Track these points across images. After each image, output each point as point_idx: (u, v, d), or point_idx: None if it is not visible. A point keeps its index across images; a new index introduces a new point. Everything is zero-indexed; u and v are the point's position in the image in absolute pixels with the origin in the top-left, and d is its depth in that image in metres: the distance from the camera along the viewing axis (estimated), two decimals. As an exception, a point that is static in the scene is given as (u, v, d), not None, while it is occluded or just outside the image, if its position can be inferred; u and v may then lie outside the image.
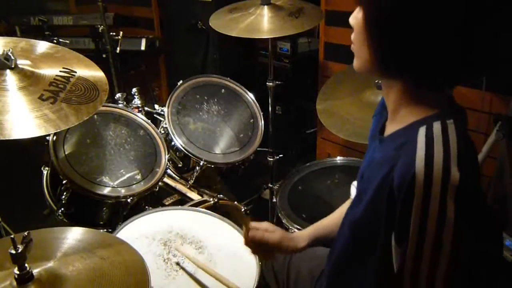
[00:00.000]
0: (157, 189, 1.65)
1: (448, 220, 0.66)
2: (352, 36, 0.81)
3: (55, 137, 1.51)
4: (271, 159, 2.10)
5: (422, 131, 0.71)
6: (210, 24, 1.80)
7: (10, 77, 1.05)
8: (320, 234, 1.14)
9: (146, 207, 1.63)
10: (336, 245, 0.97)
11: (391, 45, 0.73)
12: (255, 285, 1.18)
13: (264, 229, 1.11)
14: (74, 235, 1.00)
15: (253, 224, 1.11)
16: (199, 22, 2.93)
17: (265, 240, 1.09)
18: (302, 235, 1.14)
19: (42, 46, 1.23)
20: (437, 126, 0.71)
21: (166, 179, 1.85)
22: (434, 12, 0.66)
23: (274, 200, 1.82)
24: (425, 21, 0.67)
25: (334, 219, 1.15)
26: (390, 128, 0.84)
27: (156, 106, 1.98)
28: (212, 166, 1.78)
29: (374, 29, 0.74)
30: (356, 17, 0.78)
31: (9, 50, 1.06)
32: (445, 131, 0.70)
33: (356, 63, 0.82)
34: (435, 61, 0.71)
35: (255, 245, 1.11)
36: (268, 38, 1.85)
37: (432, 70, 0.72)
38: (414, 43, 0.70)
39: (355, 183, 1.10)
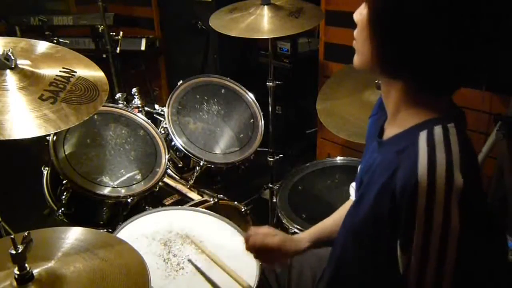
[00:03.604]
0: (157, 189, 1.65)
1: (453, 226, 0.65)
2: (355, 32, 0.80)
3: (55, 137, 1.51)
4: (271, 159, 2.10)
5: (423, 135, 0.70)
6: (210, 24, 1.80)
7: (10, 77, 1.05)
8: (322, 235, 1.13)
9: (146, 207, 1.63)
10: (336, 249, 0.96)
11: (393, 44, 0.72)
12: (255, 285, 1.18)
13: (264, 233, 1.10)
14: (74, 235, 1.00)
15: (253, 229, 1.11)
16: (199, 22, 2.93)
17: (265, 245, 1.08)
18: (304, 237, 1.13)
19: (42, 46, 1.23)
20: (438, 131, 0.70)
21: (166, 179, 1.85)
22: (436, 14, 0.66)
23: (274, 200, 1.82)
24: (428, 23, 0.67)
25: (335, 219, 1.15)
26: (390, 131, 0.83)
27: (156, 106, 1.98)
28: (212, 166, 1.78)
29: (378, 26, 0.74)
30: (361, 13, 0.78)
31: (9, 50, 1.06)
32: (446, 136, 0.69)
33: (357, 59, 0.82)
34: (436, 63, 0.70)
35: (256, 250, 1.11)
36: (268, 38, 1.85)
37: (432, 72, 0.72)
38: (416, 44, 0.69)
39: (354, 184, 1.09)
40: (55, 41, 2.72)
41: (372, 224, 0.78)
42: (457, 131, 0.70)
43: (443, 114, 0.74)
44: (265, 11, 1.76)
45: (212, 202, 1.64)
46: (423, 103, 0.76)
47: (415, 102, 0.77)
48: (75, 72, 1.16)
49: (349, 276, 0.91)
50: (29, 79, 1.07)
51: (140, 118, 1.75)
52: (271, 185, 2.11)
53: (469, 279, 0.69)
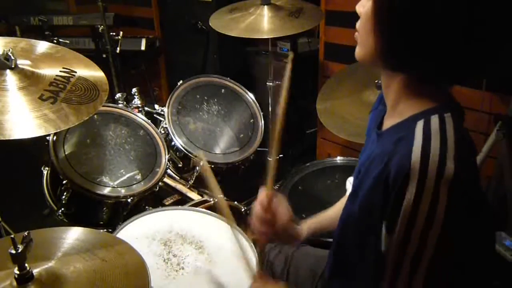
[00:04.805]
0: (157, 189, 1.65)
1: (439, 214, 0.66)
2: (358, 24, 0.80)
3: (55, 137, 1.51)
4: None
5: (420, 124, 0.71)
6: (210, 24, 1.81)
7: (10, 77, 1.05)
8: (322, 225, 1.15)
9: (146, 207, 1.63)
10: (335, 238, 0.97)
11: (398, 36, 0.72)
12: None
13: (280, 201, 1.08)
14: (74, 235, 1.00)
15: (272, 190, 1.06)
16: (199, 22, 2.94)
17: (276, 210, 1.05)
18: (303, 227, 1.15)
19: (42, 46, 1.23)
20: (434, 120, 0.71)
21: (166, 179, 1.85)
22: (442, 7, 0.66)
23: (274, 200, 1.82)
24: (433, 16, 0.67)
25: (336, 210, 1.15)
26: (388, 122, 0.84)
27: (156, 106, 1.99)
28: (212, 166, 1.78)
29: (383, 18, 0.73)
30: (364, 5, 0.78)
31: (9, 50, 1.06)
32: (442, 125, 0.70)
33: (359, 51, 0.81)
34: (439, 55, 0.70)
35: (261, 218, 1.05)
36: (268, 38, 1.85)
37: (436, 65, 0.72)
38: (420, 36, 0.69)
39: (350, 179, 1.10)
40: (55, 41, 2.71)
41: (367, 212, 0.79)
42: (454, 121, 0.71)
43: (441, 104, 0.75)
44: (265, 11, 1.76)
45: (212, 202, 1.64)
46: (423, 93, 0.77)
47: (415, 93, 0.77)
48: (75, 72, 1.16)
49: (349, 263, 0.91)
50: (29, 79, 1.07)
51: (140, 118, 1.75)
52: (271, 185, 2.11)
53: (450, 268, 0.70)
